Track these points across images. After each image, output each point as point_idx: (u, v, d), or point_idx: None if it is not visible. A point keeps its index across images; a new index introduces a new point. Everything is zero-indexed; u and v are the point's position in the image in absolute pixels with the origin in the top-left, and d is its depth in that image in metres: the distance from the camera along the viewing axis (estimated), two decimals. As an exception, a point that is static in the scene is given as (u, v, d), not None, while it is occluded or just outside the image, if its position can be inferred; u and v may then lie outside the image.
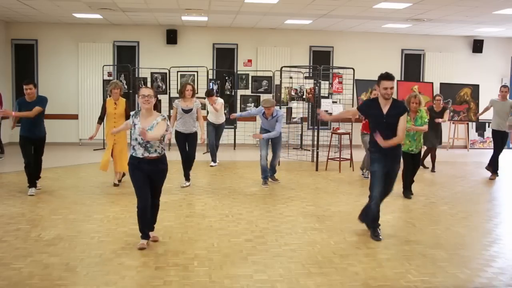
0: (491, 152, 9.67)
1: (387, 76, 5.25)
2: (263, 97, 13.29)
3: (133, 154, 4.91)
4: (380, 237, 5.46)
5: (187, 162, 8.05)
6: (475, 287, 4.29)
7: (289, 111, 11.95)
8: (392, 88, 5.24)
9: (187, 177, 8.11)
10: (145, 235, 5.05)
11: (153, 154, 4.87)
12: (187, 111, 7.85)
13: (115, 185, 8.06)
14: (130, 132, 5.01)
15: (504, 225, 6.35)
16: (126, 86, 12.53)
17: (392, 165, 5.43)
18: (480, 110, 13.80)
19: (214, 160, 10.33)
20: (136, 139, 4.87)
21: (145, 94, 4.87)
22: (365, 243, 5.36)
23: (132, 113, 5.04)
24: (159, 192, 5.16)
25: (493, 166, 9.42)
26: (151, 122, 4.90)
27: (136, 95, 4.49)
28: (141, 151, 4.86)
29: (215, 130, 10.36)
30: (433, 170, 10.03)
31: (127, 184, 8.12)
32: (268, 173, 8.50)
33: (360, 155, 9.63)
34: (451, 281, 4.38)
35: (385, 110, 5.29)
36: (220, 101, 10.28)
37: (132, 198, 7.21)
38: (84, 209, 6.59)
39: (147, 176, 4.90)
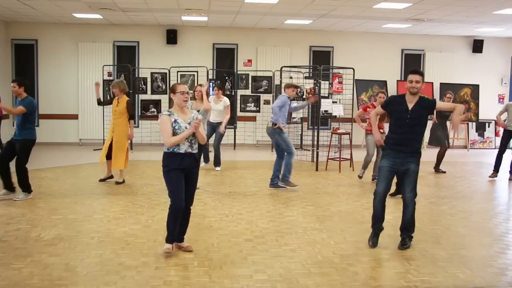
0: (491, 152, 9.66)
1: (413, 71, 5.14)
2: (263, 97, 13.34)
3: (175, 151, 4.73)
4: (371, 244, 5.24)
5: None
6: (475, 287, 4.29)
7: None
8: (418, 82, 5.03)
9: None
10: (170, 240, 4.86)
11: (194, 150, 4.84)
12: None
13: (117, 183, 8.16)
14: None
15: (504, 225, 6.35)
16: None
17: (406, 163, 5.11)
18: (480, 110, 13.87)
19: (205, 160, 9.95)
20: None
21: (184, 90, 4.78)
22: (365, 243, 5.35)
23: (166, 112, 4.76)
24: (192, 195, 4.95)
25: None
26: (189, 116, 4.84)
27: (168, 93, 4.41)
28: (185, 146, 4.75)
29: (211, 130, 9.64)
30: (438, 170, 10.03)
31: (127, 184, 8.16)
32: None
33: (360, 155, 9.61)
34: (451, 281, 4.37)
35: (410, 106, 5.09)
36: (226, 101, 9.89)
37: (132, 198, 7.25)
38: (84, 209, 6.59)
39: (183, 176, 4.78)
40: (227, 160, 10.99)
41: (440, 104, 5.23)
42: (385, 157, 5.24)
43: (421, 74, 5.12)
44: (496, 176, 9.42)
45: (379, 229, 5.36)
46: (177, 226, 4.88)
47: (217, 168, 9.80)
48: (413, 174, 5.14)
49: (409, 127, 5.10)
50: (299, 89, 11.44)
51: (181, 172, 4.78)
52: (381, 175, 5.26)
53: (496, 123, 9.63)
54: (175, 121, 4.73)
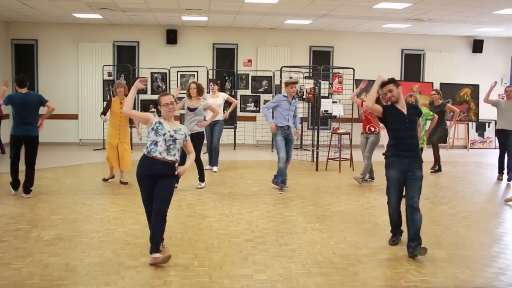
0: (491, 152, 9.66)
1: (382, 84, 5.17)
2: (263, 97, 13.33)
3: (150, 152, 4.64)
4: (391, 242, 5.34)
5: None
6: (475, 287, 4.29)
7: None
8: (391, 90, 5.09)
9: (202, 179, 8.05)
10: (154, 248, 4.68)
11: (171, 157, 4.67)
12: (192, 109, 7.79)
13: (122, 183, 8.16)
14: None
15: (504, 225, 6.35)
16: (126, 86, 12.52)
17: (412, 169, 5.10)
18: (480, 110, 13.87)
19: (210, 163, 9.70)
20: (164, 134, 4.65)
21: (168, 102, 4.73)
22: (365, 243, 5.36)
23: (156, 115, 4.80)
24: (160, 201, 4.62)
25: (507, 167, 9.38)
26: (175, 126, 4.78)
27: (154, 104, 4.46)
28: (161, 149, 4.62)
29: (210, 130, 9.58)
30: (439, 169, 10.00)
31: (127, 184, 8.15)
32: (286, 176, 8.02)
33: (360, 155, 9.57)
34: (451, 281, 4.38)
35: (404, 110, 5.13)
36: (223, 94, 9.91)
37: (132, 198, 7.25)
38: (84, 209, 6.59)
39: (152, 185, 4.67)
40: (227, 160, 10.99)
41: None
42: (391, 166, 5.17)
43: (391, 82, 5.14)
44: (502, 178, 9.40)
45: (398, 232, 5.40)
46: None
47: (214, 169, 9.56)
48: (419, 180, 5.11)
49: (409, 130, 5.13)
50: (297, 85, 11.42)
51: (150, 181, 4.67)
52: (391, 186, 5.21)
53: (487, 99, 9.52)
54: (160, 122, 4.71)
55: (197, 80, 12.71)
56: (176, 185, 7.80)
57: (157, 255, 4.57)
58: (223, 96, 9.83)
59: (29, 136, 7.12)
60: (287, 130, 7.89)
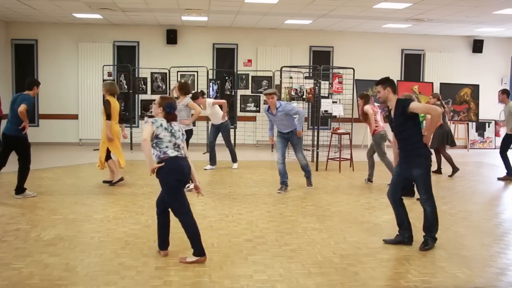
0: (491, 152, 9.60)
1: (375, 84, 5.32)
2: (263, 97, 13.29)
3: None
4: (385, 241, 5.35)
5: None
6: (475, 287, 4.29)
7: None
8: (379, 91, 5.21)
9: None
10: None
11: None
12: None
13: (104, 181, 8.24)
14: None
15: (505, 225, 6.34)
16: (126, 86, 12.56)
17: (410, 170, 5.14)
18: (480, 110, 13.87)
19: (210, 163, 9.89)
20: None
21: None
22: (365, 243, 5.36)
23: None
24: (167, 202, 4.72)
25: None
26: None
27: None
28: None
29: (215, 131, 9.89)
30: (438, 171, 9.92)
31: (127, 184, 8.16)
32: (287, 178, 7.98)
33: (360, 155, 9.60)
34: (451, 281, 4.38)
35: (393, 112, 5.20)
36: (208, 101, 9.62)
37: (132, 198, 7.26)
38: (84, 209, 6.59)
39: None
40: (227, 160, 10.98)
41: (414, 105, 5.05)
42: (398, 163, 5.47)
43: (379, 83, 5.24)
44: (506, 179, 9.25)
45: (401, 233, 5.34)
46: (161, 230, 4.84)
47: (234, 165, 10.03)
48: (419, 178, 5.16)
49: (397, 133, 5.24)
50: (297, 86, 11.40)
51: None
52: (391, 179, 5.52)
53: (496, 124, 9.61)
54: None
55: (197, 80, 12.73)
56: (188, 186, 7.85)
57: (193, 257, 4.64)
58: (209, 103, 9.54)
59: (8, 135, 7.06)
60: (286, 135, 7.96)
